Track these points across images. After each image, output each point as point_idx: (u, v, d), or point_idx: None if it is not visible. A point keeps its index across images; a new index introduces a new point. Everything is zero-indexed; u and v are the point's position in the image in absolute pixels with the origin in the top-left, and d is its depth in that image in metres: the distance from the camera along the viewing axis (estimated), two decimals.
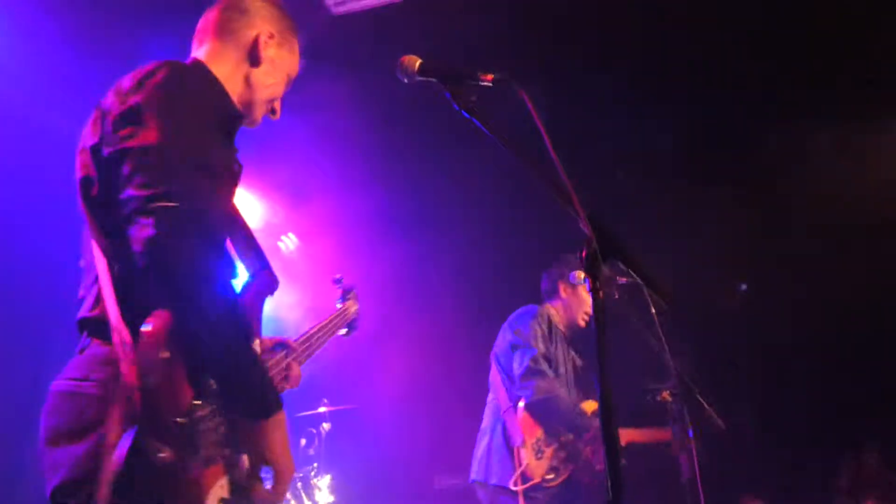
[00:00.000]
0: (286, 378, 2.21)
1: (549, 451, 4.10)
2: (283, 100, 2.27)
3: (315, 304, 5.21)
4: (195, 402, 1.70)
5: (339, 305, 2.81)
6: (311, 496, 5.27)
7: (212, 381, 1.76)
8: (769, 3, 4.99)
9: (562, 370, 4.28)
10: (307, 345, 2.35)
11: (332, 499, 5.37)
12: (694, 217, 6.27)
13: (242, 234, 2.13)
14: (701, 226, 6.27)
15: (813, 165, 6.07)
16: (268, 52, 2.16)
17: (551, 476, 4.05)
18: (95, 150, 1.85)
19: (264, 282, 2.07)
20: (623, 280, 3.73)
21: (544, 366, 4.13)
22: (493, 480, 4.05)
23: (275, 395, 1.86)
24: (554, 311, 4.45)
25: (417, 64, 1.98)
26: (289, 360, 2.23)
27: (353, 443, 4.85)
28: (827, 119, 5.67)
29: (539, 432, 4.11)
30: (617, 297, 3.81)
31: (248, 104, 2.15)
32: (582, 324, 4.40)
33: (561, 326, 4.42)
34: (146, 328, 1.65)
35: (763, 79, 5.55)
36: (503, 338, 4.36)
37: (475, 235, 4.56)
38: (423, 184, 6.04)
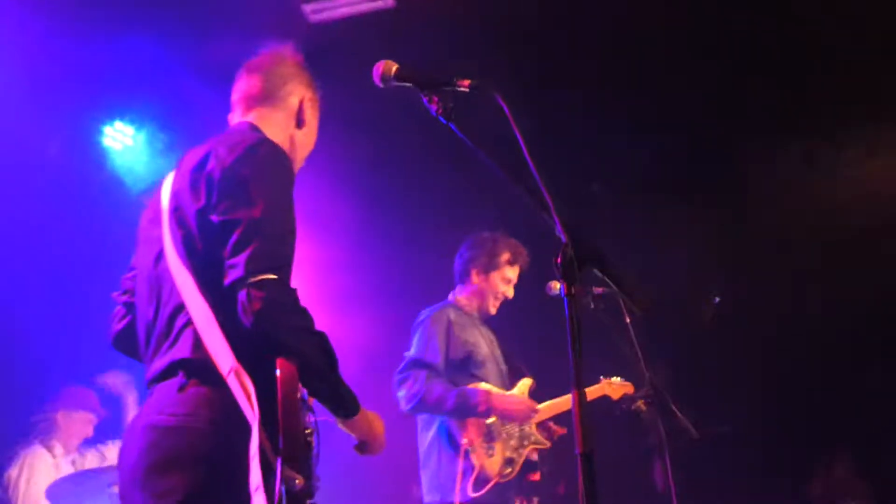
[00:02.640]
0: None
1: (499, 445, 3.90)
2: None
3: None
4: (307, 432, 1.96)
5: None
6: None
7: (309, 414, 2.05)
8: (738, 22, 5.06)
9: (481, 357, 4.04)
10: None
11: None
12: (668, 230, 6.33)
13: None
14: (675, 238, 6.33)
15: (783, 180, 6.15)
16: (308, 114, 2.41)
17: (508, 470, 3.86)
18: (202, 213, 2.05)
19: None
20: (599, 290, 3.75)
21: (411, 371, 3.90)
22: (448, 498, 3.77)
23: (355, 396, 2.18)
24: (464, 299, 4.22)
25: (394, 69, 2.00)
26: None
27: (327, 454, 4.78)
28: (795, 134, 5.76)
29: (485, 427, 3.89)
30: (592, 307, 3.82)
31: (295, 162, 2.37)
32: (492, 311, 4.19)
33: (474, 313, 4.20)
34: (280, 374, 1.89)
35: (734, 94, 5.62)
36: None
37: (456, 245, 4.52)
38: (396, 193, 6.06)
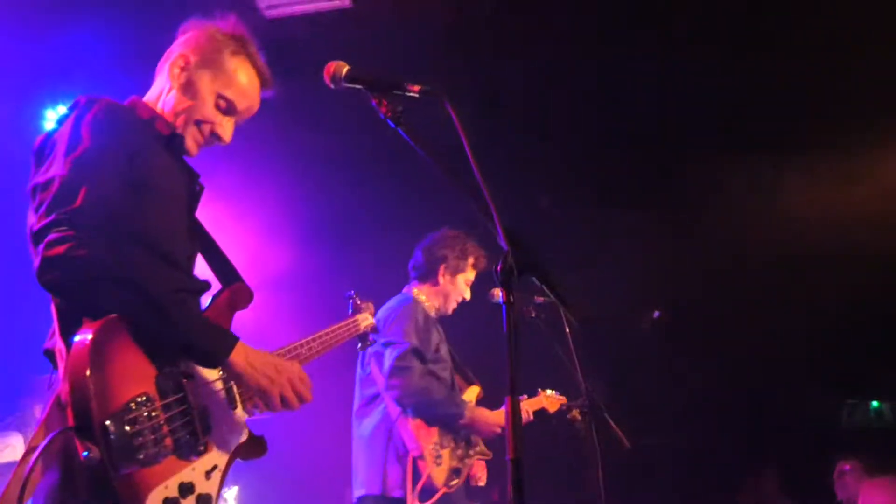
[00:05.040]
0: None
1: (446, 454, 3.85)
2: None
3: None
4: (133, 402, 1.78)
5: (348, 317, 2.91)
6: None
7: (160, 377, 1.87)
8: (686, 43, 5.17)
9: (443, 355, 4.01)
10: (292, 354, 2.36)
11: None
12: (611, 244, 6.43)
13: (210, 249, 2.32)
14: (618, 253, 6.43)
15: (725, 199, 6.30)
16: (181, 76, 2.25)
17: (455, 481, 3.82)
18: (30, 192, 1.98)
19: (235, 294, 2.24)
20: (540, 299, 3.79)
21: (413, 361, 3.77)
22: (396, 493, 3.70)
23: (218, 339, 2.00)
24: (424, 295, 4.11)
25: (345, 70, 1.99)
26: None
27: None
28: (739, 156, 5.91)
29: (434, 436, 3.82)
30: (534, 315, 3.86)
31: (177, 128, 2.24)
32: (450, 312, 4.13)
33: (431, 312, 4.08)
34: (74, 341, 1.78)
35: (680, 114, 5.74)
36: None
37: (400, 244, 4.51)
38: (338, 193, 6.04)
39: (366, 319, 2.91)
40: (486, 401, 4.31)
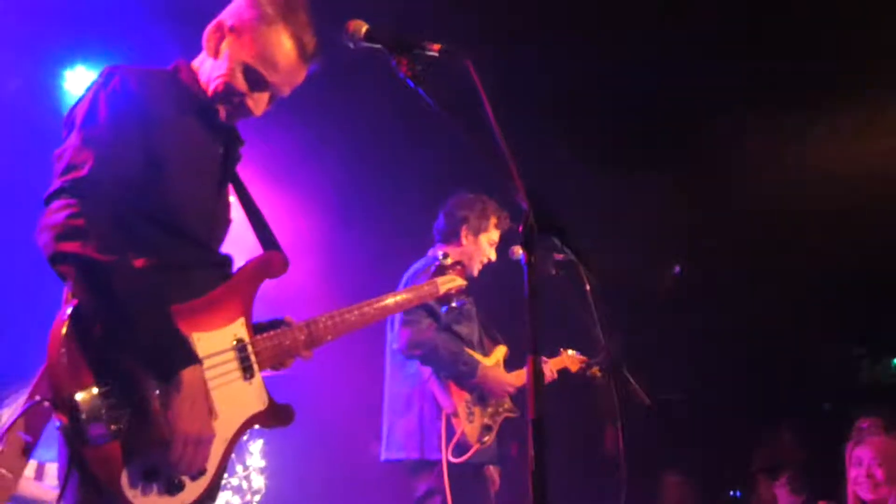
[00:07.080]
0: (276, 357, 2.21)
1: (478, 411, 3.92)
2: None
3: None
4: (100, 381, 1.80)
5: (425, 282, 2.88)
6: (242, 460, 5.29)
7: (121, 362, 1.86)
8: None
9: (466, 320, 4.04)
10: (336, 320, 2.35)
11: (263, 463, 5.39)
12: (632, 200, 6.39)
13: (254, 216, 2.32)
14: (638, 209, 6.40)
15: (750, 152, 6.23)
16: (215, 43, 2.18)
17: (487, 437, 3.88)
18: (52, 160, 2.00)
19: (267, 262, 2.23)
20: (560, 257, 3.78)
21: (419, 315, 3.77)
22: (433, 455, 3.76)
23: (169, 359, 1.88)
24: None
25: (364, 29, 1.97)
26: (286, 339, 2.23)
27: None
28: (765, 108, 5.82)
29: (466, 394, 3.89)
30: (554, 273, 3.85)
31: (209, 97, 2.17)
32: (475, 273, 4.09)
33: None
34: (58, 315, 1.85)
35: (703, 66, 5.65)
36: None
37: (417, 206, 4.51)
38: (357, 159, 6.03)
39: (450, 281, 2.87)
40: (508, 361, 4.36)
